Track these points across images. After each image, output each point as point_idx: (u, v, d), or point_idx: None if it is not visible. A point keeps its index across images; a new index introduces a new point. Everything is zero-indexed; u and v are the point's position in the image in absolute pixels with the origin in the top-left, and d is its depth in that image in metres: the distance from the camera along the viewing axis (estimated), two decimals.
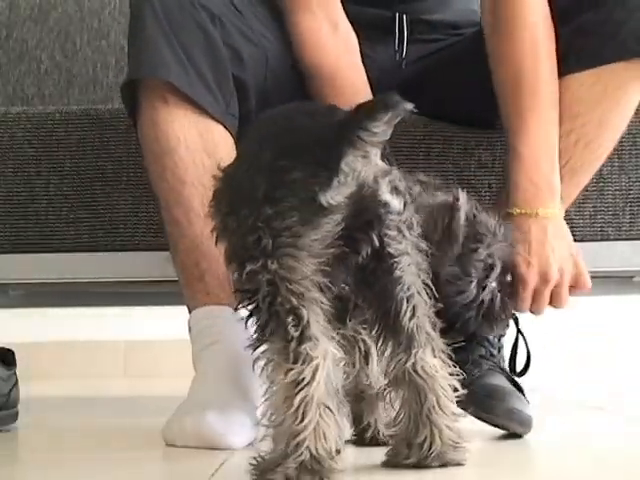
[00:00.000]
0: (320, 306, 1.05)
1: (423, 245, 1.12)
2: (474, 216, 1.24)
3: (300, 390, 1.02)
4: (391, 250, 1.07)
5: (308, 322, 1.03)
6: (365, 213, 1.06)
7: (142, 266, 1.68)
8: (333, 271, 1.06)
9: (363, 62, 1.52)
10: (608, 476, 1.10)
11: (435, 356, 1.09)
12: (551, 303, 1.37)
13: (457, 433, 1.10)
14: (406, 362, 1.08)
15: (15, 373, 1.58)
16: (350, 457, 1.25)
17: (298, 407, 1.02)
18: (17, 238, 1.67)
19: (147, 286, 1.96)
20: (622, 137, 1.63)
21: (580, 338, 3.10)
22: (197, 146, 1.41)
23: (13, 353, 1.59)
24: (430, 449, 1.08)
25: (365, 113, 1.02)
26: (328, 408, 1.03)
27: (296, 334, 1.03)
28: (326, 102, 1.45)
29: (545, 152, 1.38)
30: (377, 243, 1.07)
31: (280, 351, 1.04)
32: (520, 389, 1.38)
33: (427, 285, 1.11)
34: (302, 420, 1.02)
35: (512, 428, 1.32)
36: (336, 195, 1.03)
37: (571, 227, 1.57)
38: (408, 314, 1.08)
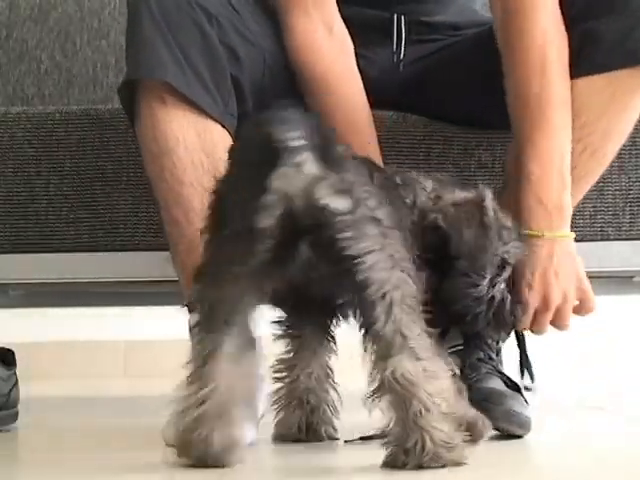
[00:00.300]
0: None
1: (396, 233, 1.09)
2: (495, 212, 1.25)
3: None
4: (351, 252, 1.05)
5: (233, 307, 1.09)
6: (296, 226, 1.05)
7: (142, 266, 1.68)
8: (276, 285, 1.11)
9: (360, 63, 1.52)
10: (608, 476, 1.10)
11: (417, 359, 1.07)
12: (554, 324, 1.36)
13: (448, 433, 1.09)
14: (385, 371, 1.07)
15: (15, 373, 1.58)
16: (350, 457, 1.25)
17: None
18: (17, 238, 1.67)
19: (147, 286, 1.95)
20: None
21: (580, 338, 3.10)
22: (195, 146, 1.42)
23: (13, 353, 1.59)
24: (423, 452, 1.08)
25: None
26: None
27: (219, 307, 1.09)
28: (319, 105, 1.47)
29: (556, 172, 1.36)
30: (308, 254, 1.06)
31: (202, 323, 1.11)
32: (519, 390, 1.38)
33: (410, 273, 1.09)
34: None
35: (511, 430, 1.32)
36: (267, 217, 1.03)
37: (571, 227, 1.58)
38: (382, 318, 1.07)
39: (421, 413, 1.07)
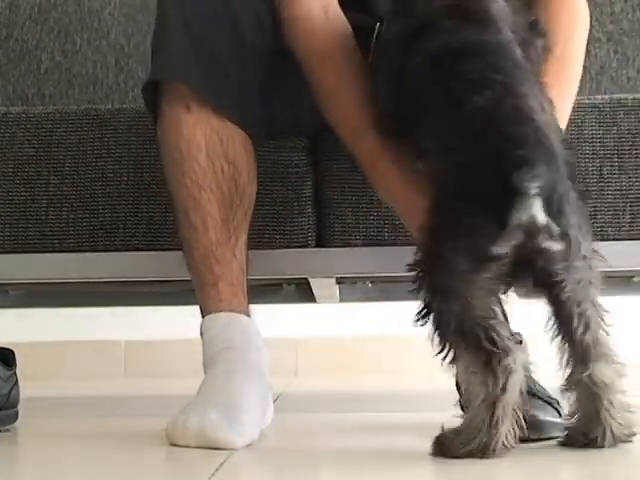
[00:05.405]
0: None
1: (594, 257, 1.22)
2: None
3: None
4: (559, 279, 1.19)
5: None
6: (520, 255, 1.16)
7: (142, 266, 1.68)
8: None
9: None
10: (608, 476, 1.10)
11: (612, 362, 1.23)
12: None
13: (628, 427, 1.21)
14: (582, 373, 1.20)
15: (15, 373, 1.58)
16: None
17: None
18: (17, 238, 1.67)
19: (147, 286, 1.96)
20: (622, 137, 1.63)
21: None
22: (217, 153, 1.42)
23: (13, 353, 1.59)
24: (603, 442, 1.20)
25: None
26: None
27: None
28: (318, 86, 1.45)
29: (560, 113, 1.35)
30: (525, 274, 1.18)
31: None
32: (541, 397, 1.36)
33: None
34: None
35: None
36: (503, 247, 1.14)
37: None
38: (580, 329, 1.21)
39: (608, 410, 1.20)
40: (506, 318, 1.25)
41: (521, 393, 1.16)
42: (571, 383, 1.22)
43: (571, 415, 1.24)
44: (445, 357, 1.18)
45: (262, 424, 1.35)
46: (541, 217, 1.14)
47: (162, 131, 1.45)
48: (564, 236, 1.17)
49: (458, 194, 1.16)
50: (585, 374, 1.20)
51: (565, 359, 1.22)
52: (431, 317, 1.18)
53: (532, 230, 1.15)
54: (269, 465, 1.23)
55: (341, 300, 2.14)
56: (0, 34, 2.16)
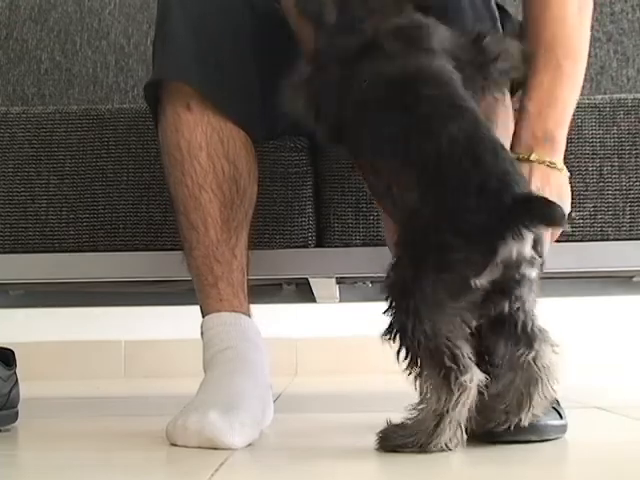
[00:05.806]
0: None
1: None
2: None
3: None
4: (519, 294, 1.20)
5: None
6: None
7: (142, 266, 1.68)
8: None
9: None
10: (608, 476, 1.10)
11: (552, 345, 1.22)
12: None
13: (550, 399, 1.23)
14: (527, 355, 1.21)
15: (15, 373, 1.58)
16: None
17: None
18: (17, 238, 1.67)
19: (147, 286, 1.96)
20: (622, 137, 1.63)
21: (580, 338, 3.10)
22: (218, 153, 1.42)
23: (13, 353, 1.59)
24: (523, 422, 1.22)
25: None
26: None
27: None
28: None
29: (552, 111, 1.33)
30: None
31: None
32: None
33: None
34: None
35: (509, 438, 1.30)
36: (485, 280, 1.15)
37: (571, 227, 1.58)
38: (522, 315, 1.20)
39: (540, 393, 1.22)
40: (472, 333, 1.23)
41: (469, 409, 1.17)
42: (512, 364, 1.21)
43: (499, 394, 1.22)
44: (410, 369, 1.19)
45: (262, 424, 1.35)
46: (528, 250, 1.16)
47: (163, 130, 1.45)
48: (537, 266, 1.19)
49: (441, 226, 1.15)
50: (530, 356, 1.20)
51: (509, 342, 1.22)
52: (401, 335, 1.19)
53: (517, 262, 1.16)
54: (269, 465, 1.22)
55: (341, 300, 2.14)
56: (0, 34, 2.16)
